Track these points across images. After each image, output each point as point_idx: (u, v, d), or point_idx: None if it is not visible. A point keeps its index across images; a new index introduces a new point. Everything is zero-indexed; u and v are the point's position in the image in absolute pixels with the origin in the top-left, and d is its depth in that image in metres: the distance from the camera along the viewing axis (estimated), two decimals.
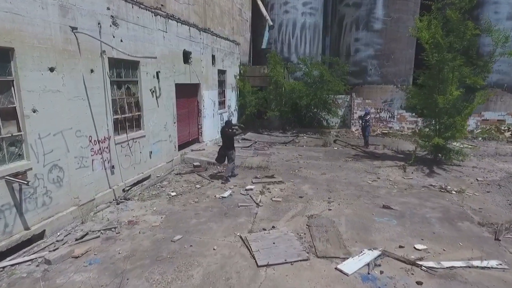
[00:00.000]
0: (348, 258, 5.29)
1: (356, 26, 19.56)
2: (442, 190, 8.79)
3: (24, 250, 5.57)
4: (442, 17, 10.45)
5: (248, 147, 14.18)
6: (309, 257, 5.32)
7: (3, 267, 5.05)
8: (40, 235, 5.96)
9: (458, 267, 5.09)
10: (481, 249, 5.62)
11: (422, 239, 6.00)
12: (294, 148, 14.28)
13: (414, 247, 5.69)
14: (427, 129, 11.87)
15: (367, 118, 14.38)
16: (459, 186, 9.07)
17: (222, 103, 15.96)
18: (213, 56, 14.04)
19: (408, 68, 19.89)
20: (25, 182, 5.39)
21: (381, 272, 4.95)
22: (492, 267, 5.07)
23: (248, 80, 18.12)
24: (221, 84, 15.66)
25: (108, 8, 7.38)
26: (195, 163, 11.09)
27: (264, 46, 19.35)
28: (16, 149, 5.57)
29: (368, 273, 4.92)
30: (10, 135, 5.42)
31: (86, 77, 6.84)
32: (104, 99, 7.44)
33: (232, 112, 17.24)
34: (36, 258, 5.32)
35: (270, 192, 8.50)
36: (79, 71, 6.60)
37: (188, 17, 11.75)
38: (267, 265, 5.06)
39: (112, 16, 7.54)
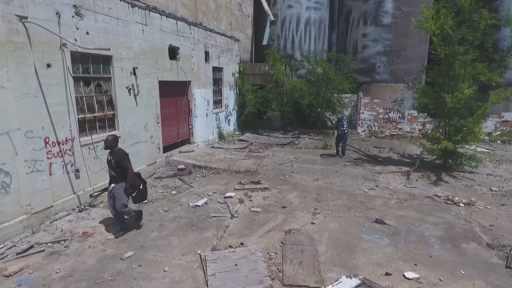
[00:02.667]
0: None
1: (364, 20, 18.44)
2: (448, 201, 7.72)
3: None
4: (452, 5, 9.33)
5: (242, 149, 13.36)
6: (273, 285, 4.45)
7: None
8: None
9: None
10: (487, 280, 4.61)
11: (415, 265, 5.03)
12: (291, 150, 13.36)
13: (404, 275, 4.73)
14: (435, 131, 10.74)
15: (344, 127, 11.92)
16: (469, 197, 7.98)
17: (218, 102, 15.20)
18: (207, 53, 13.28)
19: (421, 65, 18.57)
20: None
21: None
22: None
23: (248, 78, 17.30)
24: (217, 82, 14.90)
25: None
26: (179, 166, 10.36)
27: (265, 42, 18.46)
28: None
29: None
30: None
31: (40, 73, 6.17)
32: (65, 96, 6.77)
33: (230, 111, 16.47)
34: None
35: (251, 200, 7.65)
36: (29, 65, 5.94)
37: (175, 10, 11.03)
38: None
39: (75, 6, 6.86)
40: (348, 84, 16.15)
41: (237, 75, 16.81)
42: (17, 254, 5.27)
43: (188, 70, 11.84)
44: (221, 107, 15.50)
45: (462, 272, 4.84)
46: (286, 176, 9.69)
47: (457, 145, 9.92)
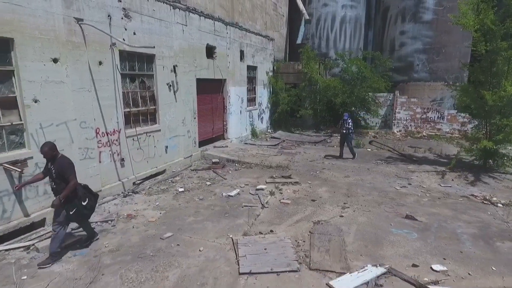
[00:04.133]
0: (345, 273, 4.57)
1: (402, 17, 17.98)
2: (485, 201, 7.50)
3: (22, 236, 5.69)
4: None
5: (274, 145, 13.64)
6: (300, 268, 4.70)
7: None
8: (41, 223, 6.06)
9: None
10: None
11: (444, 259, 5.03)
12: (323, 148, 13.43)
13: (431, 268, 4.77)
14: (476, 131, 10.35)
15: (349, 125, 11.30)
16: (509, 198, 7.68)
17: (252, 100, 15.59)
18: (242, 52, 13.72)
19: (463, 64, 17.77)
20: (19, 170, 5.48)
21: None
22: None
23: (282, 76, 17.55)
24: (251, 80, 15.30)
25: (119, 0, 7.37)
26: (214, 160, 10.85)
27: (299, 41, 18.60)
28: (17, 137, 5.70)
29: None
30: (10, 123, 5.56)
31: (93, 69, 6.87)
32: (113, 91, 7.46)
33: (263, 109, 16.81)
34: (27, 245, 5.38)
35: (281, 193, 7.92)
36: (84, 62, 6.64)
37: (212, 11, 11.55)
38: (249, 273, 4.55)
39: (124, 9, 7.52)
40: (383, 83, 15.87)
41: (270, 73, 17.11)
42: (72, 230, 5.94)
43: (224, 69, 12.33)
44: (255, 105, 15.87)
45: (493, 268, 4.78)
46: (317, 172, 9.83)
47: (498, 145, 9.51)
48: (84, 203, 5.02)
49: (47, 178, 5.08)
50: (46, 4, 5.80)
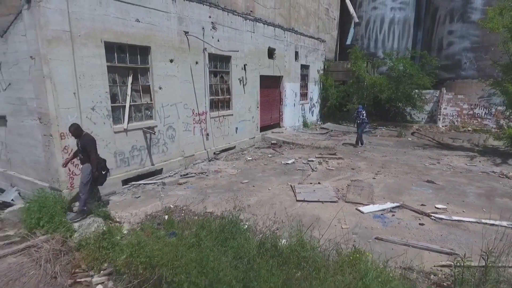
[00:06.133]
0: (369, 204, 6.65)
1: (450, 17, 18.85)
2: (501, 176, 8.92)
3: (152, 177, 8.57)
4: None
5: (323, 134, 15.70)
6: (338, 200, 6.87)
7: (139, 184, 8.06)
8: (160, 171, 8.93)
9: (466, 221, 5.95)
10: (504, 216, 6.19)
11: (447, 203, 6.84)
12: (367, 137, 15.15)
13: (435, 206, 6.64)
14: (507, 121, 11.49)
15: (364, 116, 12.63)
16: None
17: (304, 95, 17.76)
18: (296, 53, 15.96)
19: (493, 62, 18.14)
20: (153, 132, 8.36)
21: (392, 215, 6.21)
22: (500, 225, 5.74)
23: (331, 74, 19.46)
24: (304, 77, 17.47)
25: (209, 17, 10.09)
26: (272, 141, 13.27)
27: (348, 42, 20.34)
28: (149, 112, 8.60)
29: (381, 214, 6.24)
30: (146, 102, 8.45)
31: (192, 67, 9.63)
32: (204, 83, 10.19)
33: (314, 103, 18.89)
34: (156, 182, 8.22)
35: (327, 163, 10.06)
36: (188, 62, 9.42)
37: (274, 19, 13.97)
38: (303, 201, 6.84)
39: (212, 22, 10.22)
40: (428, 80, 17.02)
41: (321, 72, 19.12)
42: (181, 176, 8.72)
43: (281, 67, 14.69)
44: (306, 99, 18.02)
45: (484, 210, 6.50)
46: (359, 153, 11.75)
47: None
48: (104, 172, 6.30)
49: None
50: (168, 23, 8.63)
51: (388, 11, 20.45)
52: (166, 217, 6.11)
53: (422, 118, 19.31)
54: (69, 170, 6.74)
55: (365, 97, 18.61)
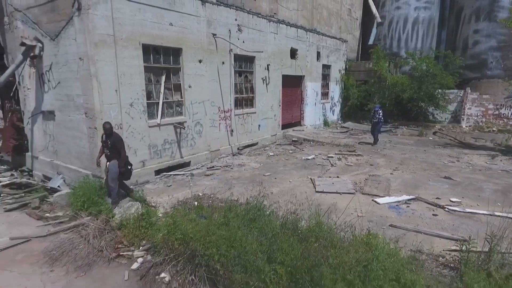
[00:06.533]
0: (385, 197, 7.01)
1: (476, 16, 18.62)
2: None
3: (181, 169, 9.27)
4: None
5: (343, 132, 15.98)
6: (356, 193, 7.28)
7: (170, 174, 8.77)
8: (188, 163, 9.61)
9: (480, 213, 6.22)
10: None
11: (462, 197, 7.10)
12: (387, 136, 15.33)
13: (450, 200, 6.92)
14: None
15: (380, 115, 12.84)
16: None
17: (325, 95, 18.09)
18: (318, 53, 16.33)
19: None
20: (183, 127, 9.05)
21: (407, 206, 6.56)
22: None
23: (353, 74, 19.66)
24: (325, 77, 17.79)
25: (235, 19, 10.69)
26: (293, 139, 13.74)
27: (370, 42, 20.46)
28: (179, 109, 9.30)
29: (396, 205, 6.60)
30: (176, 100, 9.16)
31: (219, 67, 10.27)
32: (229, 82, 10.80)
33: (335, 103, 19.17)
34: (186, 173, 8.90)
35: (346, 159, 10.43)
36: (215, 62, 10.06)
37: (296, 21, 14.41)
38: (322, 192, 7.30)
39: (238, 25, 10.82)
40: (451, 80, 16.92)
41: (343, 71, 19.36)
42: (207, 168, 9.37)
43: (303, 67, 15.12)
44: (327, 98, 18.33)
45: (499, 204, 6.71)
46: (378, 150, 12.02)
47: None
48: (129, 167, 6.95)
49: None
50: (198, 26, 9.30)
51: (412, 11, 20.39)
52: (196, 203, 6.74)
53: (446, 118, 19.16)
54: None
55: (387, 97, 18.69)
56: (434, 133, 15.69)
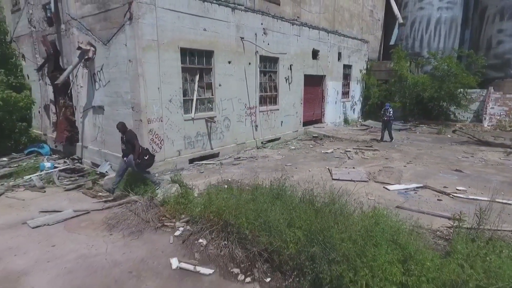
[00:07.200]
0: (396, 184, 7.75)
1: (500, 16, 18.63)
2: None
3: (211, 159, 10.34)
4: None
5: (363, 130, 16.60)
6: (369, 181, 8.05)
7: (202, 163, 9.86)
8: (217, 154, 10.68)
9: (481, 200, 6.84)
10: None
11: (469, 187, 7.70)
12: (406, 133, 15.82)
13: (456, 188, 7.55)
14: None
15: (390, 114, 13.29)
16: None
17: (346, 94, 18.73)
18: (339, 53, 17.01)
19: None
20: (214, 121, 10.12)
21: (415, 192, 7.28)
22: None
23: (374, 74, 20.16)
24: (346, 77, 18.43)
25: (261, 24, 11.65)
26: (314, 135, 14.54)
27: (392, 42, 20.86)
28: (210, 105, 10.37)
29: (405, 192, 7.33)
30: (208, 97, 10.23)
31: (246, 67, 11.27)
32: (255, 81, 11.78)
33: (355, 102, 19.76)
34: (215, 163, 9.96)
35: (363, 154, 11.15)
36: (242, 63, 11.07)
37: (318, 23, 15.19)
38: (338, 179, 8.13)
39: (263, 29, 11.78)
40: (473, 79, 17.11)
41: (364, 71, 19.91)
42: (234, 159, 10.40)
43: (324, 67, 15.87)
44: (348, 97, 18.96)
45: (502, 193, 7.28)
46: (395, 146, 12.62)
47: None
48: (145, 158, 7.62)
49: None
50: (228, 31, 10.34)
51: (434, 11, 20.60)
52: (226, 186, 7.75)
53: (468, 118, 19.28)
54: (152, 149, 8.67)
55: (407, 96, 19.06)
56: (454, 131, 15.98)
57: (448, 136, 15.07)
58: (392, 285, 3.80)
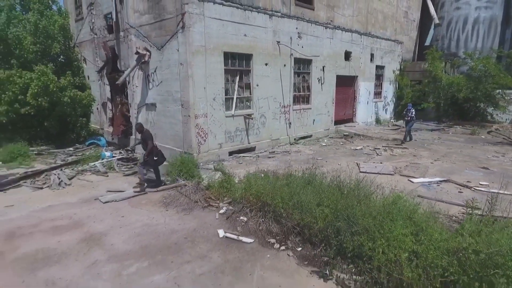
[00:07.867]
0: (420, 178, 8.33)
1: None
2: None
3: (248, 152, 11.39)
4: None
5: (394, 129, 16.92)
6: (394, 174, 8.69)
7: (240, 156, 10.94)
8: (253, 148, 11.71)
9: (502, 193, 7.28)
10: None
11: (492, 182, 8.11)
12: (438, 133, 15.96)
13: (479, 183, 8.00)
14: None
15: (412, 114, 13.64)
16: None
17: (378, 94, 19.08)
18: (372, 54, 17.45)
19: None
20: (251, 118, 11.16)
21: (438, 185, 7.84)
22: None
23: (407, 74, 20.28)
24: (379, 77, 18.79)
25: (296, 28, 12.53)
26: (344, 133, 15.17)
27: (427, 43, 20.86)
28: (248, 103, 11.42)
29: (428, 184, 7.91)
30: (246, 96, 11.29)
31: (281, 69, 12.20)
32: (289, 82, 12.69)
33: (388, 102, 20.02)
34: (252, 155, 10.99)
35: (392, 151, 11.69)
36: (277, 65, 12.01)
37: (351, 26, 15.77)
38: (365, 172, 8.83)
39: (298, 33, 12.65)
40: (510, 80, 16.84)
41: (397, 72, 20.10)
42: (269, 153, 11.38)
43: (356, 68, 16.41)
44: (380, 98, 19.28)
45: None
46: (425, 145, 12.97)
47: None
48: (155, 158, 8.60)
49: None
50: (266, 36, 11.33)
51: (472, 11, 20.33)
52: (262, 175, 8.74)
53: (506, 119, 18.88)
54: (197, 141, 9.86)
55: (441, 97, 19.03)
56: (489, 132, 15.89)
57: (482, 137, 15.06)
58: (405, 252, 4.58)
